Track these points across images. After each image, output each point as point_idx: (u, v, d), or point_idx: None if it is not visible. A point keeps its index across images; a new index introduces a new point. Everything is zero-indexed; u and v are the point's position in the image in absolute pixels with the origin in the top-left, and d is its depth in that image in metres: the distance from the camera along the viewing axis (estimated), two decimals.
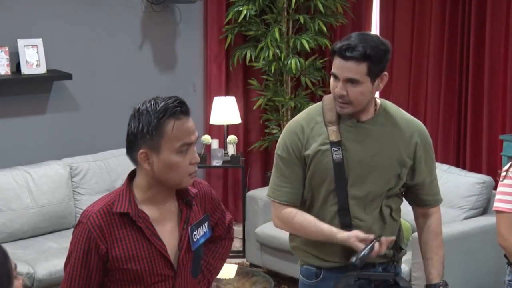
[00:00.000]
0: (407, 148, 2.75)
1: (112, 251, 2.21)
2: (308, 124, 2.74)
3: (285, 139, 2.77)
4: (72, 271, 2.24)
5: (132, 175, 2.29)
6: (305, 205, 2.79)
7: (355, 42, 2.61)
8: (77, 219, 5.12)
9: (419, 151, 2.77)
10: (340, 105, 2.66)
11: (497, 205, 3.12)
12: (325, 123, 2.72)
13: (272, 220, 2.88)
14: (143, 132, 2.17)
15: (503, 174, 3.12)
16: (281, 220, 2.81)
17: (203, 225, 2.36)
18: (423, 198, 2.86)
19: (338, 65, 2.63)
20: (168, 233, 2.27)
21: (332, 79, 2.68)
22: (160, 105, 2.18)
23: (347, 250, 2.67)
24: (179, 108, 2.18)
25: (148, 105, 2.19)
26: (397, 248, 2.86)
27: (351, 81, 2.61)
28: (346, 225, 2.70)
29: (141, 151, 2.19)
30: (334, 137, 2.69)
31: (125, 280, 2.24)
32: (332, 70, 2.66)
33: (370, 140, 2.72)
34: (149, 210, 2.25)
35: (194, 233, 2.31)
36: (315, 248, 2.77)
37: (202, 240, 2.35)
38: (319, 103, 2.81)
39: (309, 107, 2.87)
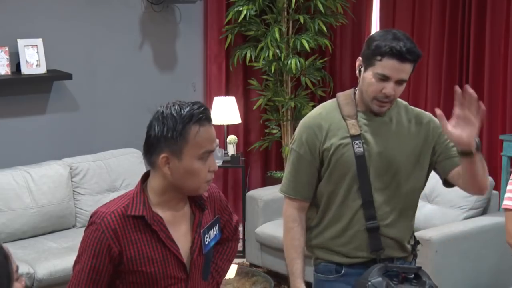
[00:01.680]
0: (425, 136, 2.79)
1: (127, 253, 2.20)
2: (326, 119, 2.76)
3: (302, 134, 2.78)
4: (81, 271, 2.22)
5: (145, 177, 2.28)
6: (323, 204, 2.80)
7: (409, 43, 2.62)
8: (77, 219, 5.19)
9: (436, 131, 2.81)
10: (381, 104, 2.69)
11: (506, 203, 3.13)
12: (343, 117, 2.75)
13: (283, 210, 2.89)
14: (167, 136, 2.15)
15: None
16: (285, 216, 2.85)
17: (214, 228, 2.36)
18: (454, 158, 2.77)
19: (393, 66, 2.62)
20: (181, 236, 2.27)
21: (375, 79, 2.65)
22: (185, 110, 2.17)
23: (373, 243, 2.72)
24: (203, 115, 2.18)
25: (173, 109, 2.18)
26: (415, 242, 2.88)
27: (401, 81, 2.65)
28: (371, 218, 2.72)
29: (162, 155, 2.17)
30: (354, 131, 2.72)
31: (138, 282, 2.23)
32: (382, 72, 2.63)
33: (388, 132, 2.76)
34: (163, 213, 2.25)
35: (206, 236, 2.31)
36: (342, 245, 2.77)
37: (212, 243, 2.35)
38: (332, 100, 2.84)
39: (322, 104, 2.88)
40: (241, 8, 5.91)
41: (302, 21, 5.89)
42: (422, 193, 4.97)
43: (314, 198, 2.82)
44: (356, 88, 2.79)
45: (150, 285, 2.24)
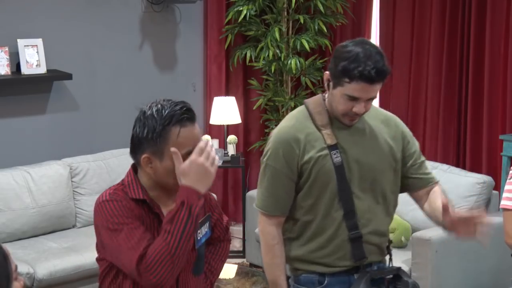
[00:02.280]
0: (395, 138, 2.79)
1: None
2: (301, 131, 2.71)
3: (278, 149, 2.71)
4: (129, 234, 2.15)
5: (135, 168, 2.30)
6: (303, 217, 2.74)
7: (377, 62, 2.55)
8: (77, 219, 5.19)
9: (406, 138, 2.82)
10: (351, 120, 2.68)
11: (504, 203, 3.12)
12: (317, 127, 2.71)
13: (258, 228, 2.83)
14: (148, 137, 2.17)
15: (511, 172, 3.11)
16: (264, 234, 2.78)
17: (205, 225, 2.37)
18: (423, 177, 2.85)
19: (362, 89, 2.57)
20: None
21: (344, 99, 2.61)
22: (166, 111, 2.17)
23: (356, 252, 2.70)
24: (185, 116, 2.18)
25: (154, 109, 2.18)
26: (389, 242, 2.85)
27: (371, 99, 2.63)
28: (354, 227, 2.69)
29: (144, 155, 2.19)
30: (330, 141, 2.68)
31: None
32: (351, 94, 2.58)
33: (363, 138, 2.74)
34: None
35: (198, 232, 2.32)
36: (326, 256, 2.73)
37: (203, 240, 2.36)
38: (302, 108, 2.78)
39: (292, 114, 2.81)
40: (241, 8, 5.91)
41: (302, 21, 5.89)
42: (422, 193, 5.00)
43: (291, 211, 2.76)
44: (325, 95, 2.74)
45: None
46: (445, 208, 2.52)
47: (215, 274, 2.53)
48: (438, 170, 5.04)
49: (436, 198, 2.78)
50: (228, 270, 4.78)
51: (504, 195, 3.11)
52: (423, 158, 2.88)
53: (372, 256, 2.76)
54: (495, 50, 5.19)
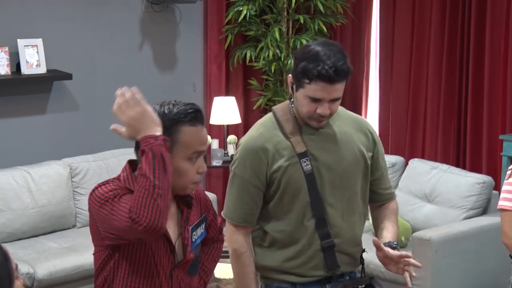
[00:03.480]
0: (366, 145, 2.73)
1: None
2: (270, 140, 2.63)
3: (246, 159, 2.64)
4: (116, 205, 2.14)
5: (131, 165, 2.26)
6: (274, 226, 2.69)
7: (337, 61, 2.48)
8: (77, 219, 5.19)
9: (375, 145, 2.76)
10: (318, 122, 2.60)
11: (501, 203, 3.12)
12: (286, 136, 2.65)
13: (226, 237, 2.76)
14: None
15: (508, 172, 3.11)
16: (231, 243, 2.73)
17: (201, 226, 2.38)
18: (382, 193, 2.81)
19: (323, 89, 2.49)
20: (170, 232, 2.27)
21: (307, 101, 2.54)
22: (177, 110, 2.18)
23: (329, 261, 2.66)
24: (195, 116, 2.19)
25: (165, 108, 2.19)
26: (362, 251, 2.80)
27: (335, 99, 2.55)
28: (325, 236, 2.64)
29: None
30: (299, 148, 2.61)
31: (132, 266, 2.23)
32: (313, 95, 2.51)
33: (333, 144, 2.66)
34: None
35: (194, 233, 2.33)
36: (298, 266, 2.69)
37: (198, 241, 2.37)
38: (270, 116, 2.72)
39: (260, 122, 2.73)
40: (241, 8, 5.91)
41: (302, 21, 5.89)
42: (422, 193, 5.02)
43: (262, 220, 2.71)
44: (292, 101, 2.67)
45: (142, 274, 2.23)
46: (377, 246, 2.56)
47: (208, 274, 2.54)
48: (438, 170, 5.04)
49: (384, 217, 2.78)
50: (228, 270, 4.77)
51: (502, 195, 3.11)
52: (386, 170, 2.83)
53: (345, 266, 2.71)
54: (495, 50, 5.19)
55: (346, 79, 2.54)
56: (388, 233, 2.70)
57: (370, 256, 2.87)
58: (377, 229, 2.80)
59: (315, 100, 2.53)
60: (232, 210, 2.71)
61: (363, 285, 2.72)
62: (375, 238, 2.60)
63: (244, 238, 2.71)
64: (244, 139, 2.71)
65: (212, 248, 2.55)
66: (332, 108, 2.56)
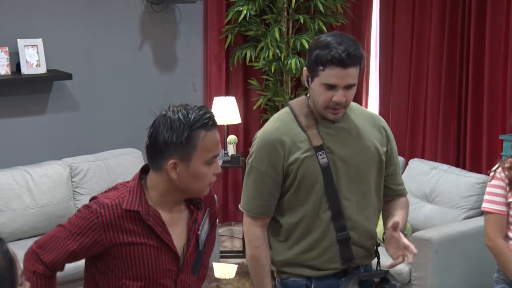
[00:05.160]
0: (381, 140, 2.77)
1: (120, 245, 2.22)
2: (286, 133, 2.68)
3: (262, 151, 2.69)
4: (58, 236, 2.26)
5: (143, 170, 2.29)
6: (290, 218, 2.73)
7: (350, 46, 2.55)
8: None
9: (389, 142, 2.80)
10: (335, 112, 2.63)
11: (484, 205, 3.15)
12: (302, 129, 2.68)
13: (243, 229, 2.83)
14: (176, 142, 2.16)
15: (491, 174, 3.14)
16: (248, 235, 2.79)
17: (206, 222, 2.40)
18: (394, 188, 2.85)
19: (337, 74, 2.54)
20: (177, 236, 2.29)
21: (322, 89, 2.59)
22: (192, 116, 2.18)
23: (344, 253, 2.68)
24: (210, 120, 2.20)
25: (180, 114, 2.18)
26: (377, 245, 2.83)
27: (350, 86, 2.58)
28: (341, 228, 2.67)
29: (171, 161, 2.18)
30: (316, 142, 2.65)
31: (128, 272, 2.25)
32: (327, 81, 2.56)
33: (349, 139, 2.70)
34: (161, 212, 2.27)
35: (202, 231, 2.34)
36: (314, 258, 2.71)
37: (205, 237, 2.39)
38: (286, 110, 2.76)
39: (277, 116, 2.78)
40: (241, 8, 5.91)
41: (302, 21, 5.89)
42: (422, 193, 5.01)
43: (278, 213, 2.75)
44: (308, 96, 2.72)
45: (142, 278, 2.25)
46: (395, 225, 2.59)
47: (206, 267, 2.54)
48: (438, 170, 5.04)
49: (396, 207, 2.81)
50: (228, 270, 4.78)
51: (485, 197, 3.13)
52: (399, 167, 2.88)
53: (360, 259, 2.74)
54: (495, 50, 5.19)
55: (360, 65, 2.58)
56: (399, 217, 2.73)
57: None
58: (386, 219, 2.82)
59: (330, 87, 2.57)
60: (249, 202, 2.77)
61: (378, 278, 2.73)
62: (397, 219, 2.64)
63: (261, 230, 2.76)
64: (260, 132, 2.75)
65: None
66: (347, 96, 2.60)
